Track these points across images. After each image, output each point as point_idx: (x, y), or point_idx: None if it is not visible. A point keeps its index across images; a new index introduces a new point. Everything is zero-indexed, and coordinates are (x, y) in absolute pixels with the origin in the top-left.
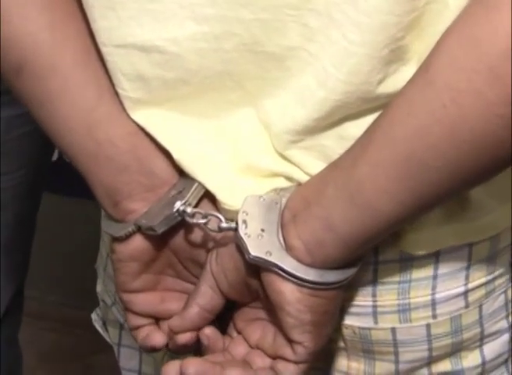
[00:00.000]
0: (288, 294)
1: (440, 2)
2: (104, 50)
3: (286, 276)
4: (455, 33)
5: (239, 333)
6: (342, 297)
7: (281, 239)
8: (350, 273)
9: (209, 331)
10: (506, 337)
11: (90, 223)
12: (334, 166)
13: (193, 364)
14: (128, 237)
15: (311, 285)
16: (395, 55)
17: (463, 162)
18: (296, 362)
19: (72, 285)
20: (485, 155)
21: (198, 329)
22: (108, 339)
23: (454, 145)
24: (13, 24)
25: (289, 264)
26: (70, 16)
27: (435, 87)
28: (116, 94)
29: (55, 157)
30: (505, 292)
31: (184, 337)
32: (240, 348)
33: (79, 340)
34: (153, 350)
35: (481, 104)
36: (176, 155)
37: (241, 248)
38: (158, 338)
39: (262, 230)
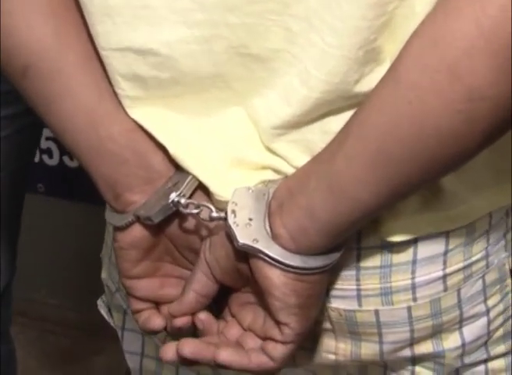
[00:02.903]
0: (274, 278)
1: (407, 7)
2: (102, 53)
3: (272, 262)
4: (419, 36)
5: (233, 316)
6: (326, 281)
7: (267, 228)
8: (332, 258)
9: (203, 316)
10: (484, 320)
11: (91, 227)
12: (315, 160)
13: (188, 344)
14: (128, 226)
15: (296, 270)
16: (369, 56)
17: (429, 155)
18: (283, 343)
19: (72, 288)
20: (449, 147)
21: (196, 312)
22: (112, 324)
23: (420, 139)
24: (20, 30)
25: (274, 251)
26: (72, 22)
27: (401, 86)
28: (115, 93)
29: (36, 158)
30: (482, 277)
31: (180, 321)
32: (233, 331)
33: (78, 342)
34: (153, 332)
35: (443, 100)
36: (171, 150)
37: (230, 236)
38: (157, 321)
39: (250, 220)
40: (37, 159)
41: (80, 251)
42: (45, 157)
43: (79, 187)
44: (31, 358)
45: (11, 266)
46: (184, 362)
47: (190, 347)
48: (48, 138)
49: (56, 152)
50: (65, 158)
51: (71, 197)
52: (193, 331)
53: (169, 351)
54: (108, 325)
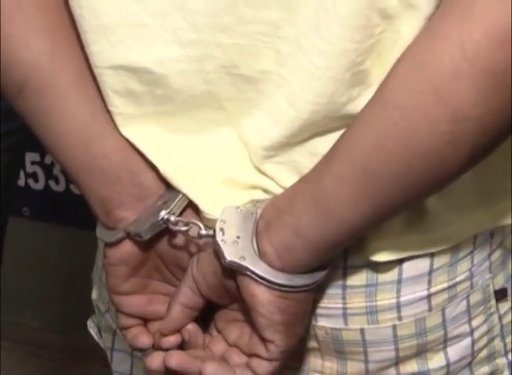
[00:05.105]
0: (260, 296)
1: (394, 31)
2: (96, 71)
3: (258, 279)
4: (406, 59)
5: (219, 332)
6: (312, 299)
7: (255, 246)
8: (317, 277)
9: (190, 327)
10: (468, 340)
11: (76, 251)
12: (303, 180)
13: (175, 356)
14: (118, 242)
15: (281, 288)
16: (356, 78)
17: (414, 176)
18: (269, 360)
19: (57, 312)
20: (434, 168)
21: (184, 325)
22: (101, 344)
23: (405, 160)
24: (16, 47)
25: (261, 268)
26: (68, 39)
27: (387, 107)
28: (108, 112)
29: (22, 183)
30: (467, 298)
31: (168, 342)
32: (219, 346)
33: (64, 365)
34: (140, 350)
35: (428, 122)
36: (162, 169)
37: (218, 254)
38: (145, 340)
39: (238, 237)
40: (22, 183)
41: (64, 275)
42: (31, 181)
43: (64, 212)
44: None
45: None
46: (170, 373)
47: (176, 358)
48: (33, 163)
49: (42, 176)
50: (51, 183)
51: (56, 221)
52: (180, 349)
53: (156, 360)
54: (94, 348)
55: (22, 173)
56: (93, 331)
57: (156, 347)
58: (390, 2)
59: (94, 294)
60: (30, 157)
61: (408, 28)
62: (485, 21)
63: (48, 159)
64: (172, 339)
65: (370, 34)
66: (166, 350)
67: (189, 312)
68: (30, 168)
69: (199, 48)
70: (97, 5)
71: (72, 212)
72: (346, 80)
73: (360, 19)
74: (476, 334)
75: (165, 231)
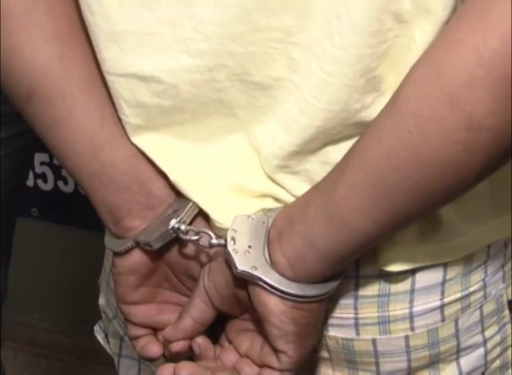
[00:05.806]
0: (272, 306)
1: (407, 36)
2: (108, 78)
3: (270, 289)
4: (421, 66)
5: (230, 342)
6: (324, 309)
7: (267, 255)
8: (330, 287)
9: (200, 340)
10: (481, 351)
11: (84, 252)
12: (315, 189)
13: (185, 367)
14: (127, 251)
15: (294, 298)
16: (370, 84)
17: (427, 184)
18: (280, 370)
19: (64, 313)
20: (448, 177)
21: (191, 338)
22: (109, 350)
23: (419, 168)
24: (25, 55)
25: (273, 278)
26: (78, 46)
27: (402, 115)
28: (118, 119)
29: (31, 183)
30: (480, 308)
31: (178, 346)
32: (230, 356)
33: (70, 366)
34: (150, 360)
35: (442, 130)
36: (172, 177)
37: (229, 263)
38: (155, 350)
39: (249, 247)
40: (31, 184)
41: (72, 276)
42: (40, 182)
43: (73, 212)
44: None
45: (2, 289)
46: None
47: (187, 370)
48: (42, 163)
49: (51, 177)
50: (60, 183)
51: (65, 221)
52: (191, 357)
53: (166, 372)
54: (100, 350)
55: (31, 174)
56: (100, 337)
57: (166, 354)
58: (405, 6)
59: (101, 300)
60: (39, 158)
61: (422, 33)
62: (501, 27)
63: (56, 160)
64: (183, 343)
65: (384, 39)
66: (176, 359)
67: (198, 326)
68: (38, 168)
69: (209, 58)
70: (110, 12)
71: (80, 212)
72: (361, 87)
73: (374, 23)
74: (489, 345)
75: (176, 240)
